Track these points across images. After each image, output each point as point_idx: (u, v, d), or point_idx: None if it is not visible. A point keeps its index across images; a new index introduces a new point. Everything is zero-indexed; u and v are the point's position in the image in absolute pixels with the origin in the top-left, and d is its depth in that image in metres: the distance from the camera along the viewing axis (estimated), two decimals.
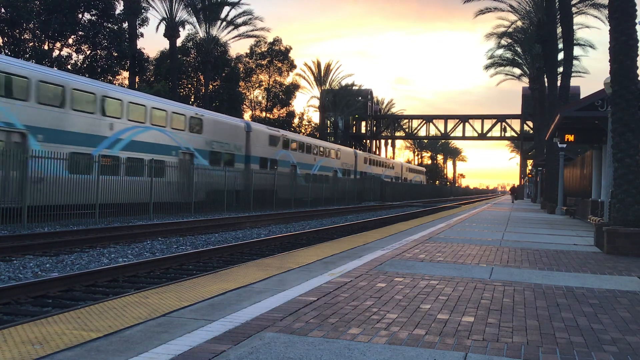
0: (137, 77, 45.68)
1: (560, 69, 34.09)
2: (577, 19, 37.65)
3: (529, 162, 73.91)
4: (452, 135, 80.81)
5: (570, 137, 22.30)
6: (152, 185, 23.39)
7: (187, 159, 28.20)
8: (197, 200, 26.97)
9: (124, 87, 38.64)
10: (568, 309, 5.44)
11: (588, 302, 5.81)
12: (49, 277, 9.46)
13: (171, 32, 47.06)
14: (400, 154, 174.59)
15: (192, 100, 55.03)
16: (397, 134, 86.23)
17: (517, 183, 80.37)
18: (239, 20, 53.45)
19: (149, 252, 13.85)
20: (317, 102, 74.18)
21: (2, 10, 34.67)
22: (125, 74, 45.34)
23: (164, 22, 47.44)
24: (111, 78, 41.05)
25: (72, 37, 38.98)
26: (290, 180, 37.70)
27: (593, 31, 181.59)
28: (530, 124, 69.53)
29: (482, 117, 78.11)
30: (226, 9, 52.91)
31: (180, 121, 28.02)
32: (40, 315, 4.83)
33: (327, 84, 74.38)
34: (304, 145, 44.42)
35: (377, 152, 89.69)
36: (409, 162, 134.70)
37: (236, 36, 54.97)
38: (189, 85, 57.00)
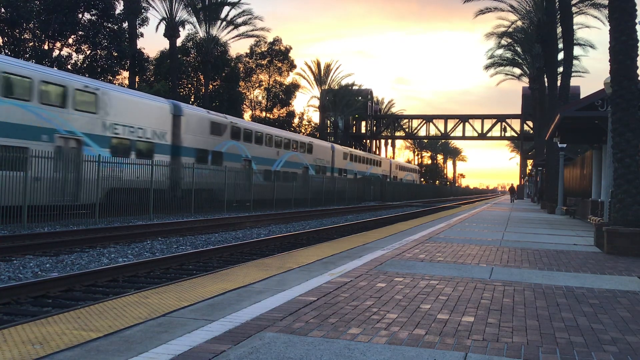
0: (137, 77, 45.68)
1: (560, 69, 34.09)
2: (577, 19, 37.66)
3: (529, 162, 73.92)
4: (452, 135, 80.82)
5: (570, 138, 22.34)
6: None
7: (70, 146, 21.55)
8: (88, 202, 21.03)
9: (124, 86, 38.65)
10: (568, 309, 5.44)
11: (588, 302, 5.81)
12: (49, 277, 9.46)
13: (171, 32, 47.08)
14: (400, 154, 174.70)
15: (192, 100, 55.03)
16: (397, 133, 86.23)
17: (516, 183, 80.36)
18: (239, 20, 53.51)
19: (149, 252, 13.86)
20: (317, 102, 74.24)
21: (2, 10, 34.66)
22: (125, 73, 45.38)
23: (164, 22, 47.47)
24: (111, 78, 41.04)
25: (72, 37, 38.98)
26: (245, 178, 32.15)
27: (593, 31, 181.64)
28: (530, 124, 69.53)
29: (482, 117, 78.11)
30: (226, 8, 52.97)
31: (58, 94, 21.14)
32: (40, 315, 4.83)
33: (327, 84, 74.40)
34: (262, 137, 37.30)
35: (377, 152, 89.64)
36: (408, 161, 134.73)
37: (236, 36, 55.01)
38: (189, 85, 57.01)
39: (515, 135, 77.85)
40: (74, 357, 3.57)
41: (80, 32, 38.75)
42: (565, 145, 25.26)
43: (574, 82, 37.93)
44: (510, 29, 46.74)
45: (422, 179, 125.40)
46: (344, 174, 53.78)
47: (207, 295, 5.53)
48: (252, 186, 32.48)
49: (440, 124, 79.19)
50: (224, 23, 53.14)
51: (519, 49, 52.69)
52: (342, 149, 55.27)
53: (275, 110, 68.04)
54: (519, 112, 76.45)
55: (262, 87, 67.24)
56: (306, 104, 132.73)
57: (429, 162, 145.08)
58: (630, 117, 10.92)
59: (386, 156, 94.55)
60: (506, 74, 58.45)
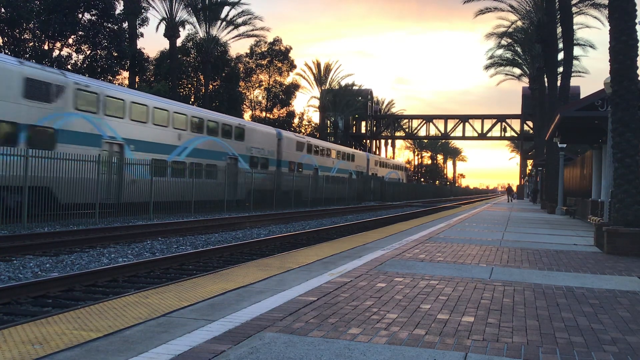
0: (137, 77, 45.69)
1: (560, 69, 34.10)
2: (577, 19, 37.68)
3: (529, 162, 73.91)
4: (452, 135, 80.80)
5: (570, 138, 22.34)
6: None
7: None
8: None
9: (124, 86, 38.63)
10: (568, 309, 5.44)
11: (588, 302, 5.81)
12: (49, 277, 9.46)
13: (171, 32, 47.08)
14: (400, 154, 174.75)
15: (192, 100, 55.03)
16: (397, 134, 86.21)
17: (515, 183, 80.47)
18: (239, 20, 53.51)
19: (149, 252, 13.85)
20: (317, 102, 74.23)
21: (2, 10, 34.66)
22: (125, 74, 45.38)
23: (164, 22, 47.48)
24: (111, 78, 41.04)
25: (72, 37, 38.95)
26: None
27: (593, 31, 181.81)
28: (530, 124, 69.53)
29: (482, 117, 78.10)
30: (226, 8, 52.96)
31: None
32: (40, 315, 4.83)
33: (327, 84, 74.41)
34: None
35: (377, 152, 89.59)
36: (408, 161, 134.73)
37: (236, 36, 55.02)
38: (189, 85, 57.00)
39: (515, 135, 77.84)
40: (74, 357, 3.57)
41: (80, 32, 38.73)
42: (565, 145, 25.27)
43: (574, 82, 37.96)
44: (510, 29, 46.78)
45: (423, 179, 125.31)
46: (299, 170, 42.30)
47: (207, 295, 5.53)
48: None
49: (440, 124, 79.19)
50: (224, 23, 53.16)
51: (519, 49, 52.74)
52: (294, 136, 43.39)
53: (275, 110, 68.03)
54: (519, 112, 76.44)
55: (262, 87, 67.24)
56: (306, 104, 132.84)
57: (429, 162, 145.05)
58: (630, 117, 10.92)
59: (385, 154, 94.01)
60: (506, 74, 58.56)
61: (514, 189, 65.31)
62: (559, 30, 34.18)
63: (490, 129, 77.07)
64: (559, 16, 32.53)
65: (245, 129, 35.15)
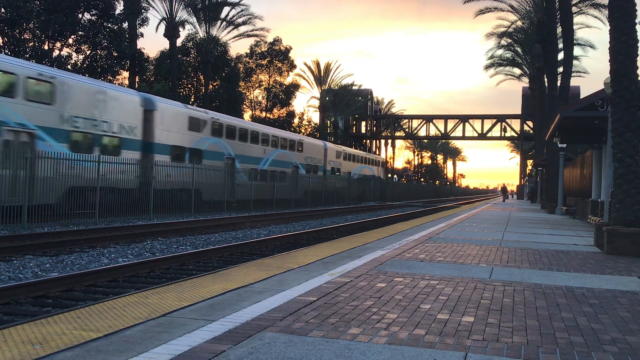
0: (137, 77, 45.68)
1: (560, 69, 34.11)
2: (577, 19, 37.69)
3: (529, 162, 73.94)
4: (452, 135, 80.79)
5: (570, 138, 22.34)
6: None
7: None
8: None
9: (124, 86, 38.63)
10: (568, 309, 5.44)
11: (588, 302, 5.81)
12: (49, 277, 9.46)
13: (171, 32, 47.08)
14: (400, 154, 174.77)
15: (192, 100, 55.04)
16: (397, 134, 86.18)
17: (508, 183, 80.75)
18: (239, 20, 53.50)
19: (149, 252, 13.86)
20: (317, 102, 74.22)
21: (2, 10, 34.66)
22: (125, 74, 45.38)
23: (164, 22, 47.46)
24: (111, 78, 41.05)
25: (72, 37, 38.96)
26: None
27: (593, 31, 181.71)
28: (530, 124, 69.54)
29: (482, 117, 78.08)
30: (226, 9, 52.97)
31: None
32: (40, 315, 4.83)
33: (327, 84, 74.39)
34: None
35: (377, 152, 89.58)
36: (408, 161, 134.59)
37: (236, 36, 55.02)
38: (189, 85, 57.01)
39: (515, 135, 77.83)
40: (74, 357, 3.57)
41: (80, 32, 38.74)
42: (565, 145, 25.27)
43: (574, 82, 37.97)
44: (510, 29, 46.79)
45: (423, 179, 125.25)
46: (196, 159, 29.03)
47: (207, 295, 5.53)
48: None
49: (440, 124, 79.19)
50: (224, 23, 53.16)
51: (519, 49, 52.72)
52: (207, 117, 30.71)
53: (275, 110, 68.05)
54: (519, 112, 76.42)
55: (262, 87, 67.26)
56: (306, 104, 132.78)
57: (429, 162, 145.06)
58: (630, 117, 10.92)
59: (385, 154, 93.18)
60: (506, 74, 58.54)
61: (514, 189, 66.03)
62: (559, 30, 34.20)
63: (490, 129, 77.08)
64: (559, 16, 32.55)
65: (108, 93, 28.20)
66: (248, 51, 65.13)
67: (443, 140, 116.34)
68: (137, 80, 45.65)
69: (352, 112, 77.34)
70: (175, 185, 25.34)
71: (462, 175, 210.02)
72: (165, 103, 27.87)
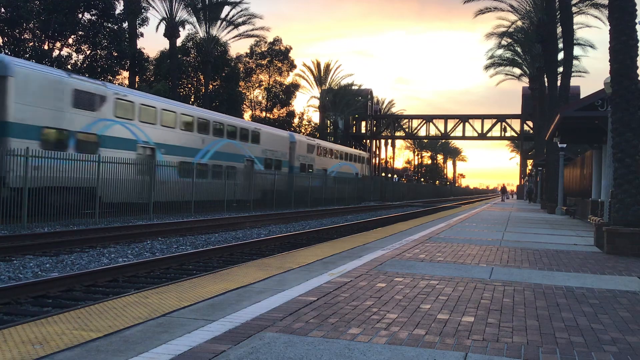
0: (137, 77, 45.69)
1: (560, 69, 34.09)
2: (577, 19, 37.68)
3: (529, 162, 73.92)
4: (452, 135, 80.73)
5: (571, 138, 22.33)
6: None
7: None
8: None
9: (124, 86, 38.63)
10: (568, 309, 5.44)
11: (588, 302, 5.81)
12: (49, 277, 9.46)
13: (171, 32, 47.08)
14: (400, 154, 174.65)
15: (192, 100, 55.04)
16: (397, 133, 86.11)
17: (507, 183, 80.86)
18: (239, 20, 53.48)
19: (149, 252, 13.85)
20: (317, 102, 74.19)
21: (2, 10, 34.66)
22: (125, 74, 45.40)
23: (164, 22, 47.46)
24: (111, 78, 41.05)
25: (72, 37, 38.98)
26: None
27: (593, 31, 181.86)
28: (530, 124, 69.50)
29: (482, 117, 78.03)
30: (226, 8, 52.96)
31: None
32: (40, 315, 4.83)
33: (327, 84, 74.36)
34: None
35: (378, 152, 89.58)
36: (408, 161, 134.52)
37: (236, 36, 55.00)
38: (189, 85, 57.00)
39: (515, 135, 77.79)
40: (74, 357, 3.56)
41: (80, 32, 38.75)
42: (565, 145, 25.26)
43: (574, 82, 37.94)
44: (510, 29, 46.75)
45: (423, 179, 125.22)
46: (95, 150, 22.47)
47: (207, 295, 5.53)
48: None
49: (440, 124, 79.13)
50: (224, 23, 53.15)
51: (519, 49, 52.72)
52: (108, 91, 23.82)
53: (275, 110, 68.05)
54: (519, 112, 76.39)
55: (262, 87, 67.25)
56: (306, 104, 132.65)
57: (429, 162, 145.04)
58: (630, 117, 10.91)
59: (385, 154, 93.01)
60: (506, 74, 58.56)
61: (514, 189, 66.35)
62: (559, 30, 34.18)
63: (490, 129, 77.02)
64: (559, 16, 32.54)
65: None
66: (248, 51, 65.15)
67: (443, 140, 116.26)
68: (137, 80, 45.66)
69: (352, 112, 77.31)
70: (54, 182, 18.91)
71: (462, 175, 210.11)
72: (30, 67, 20.60)
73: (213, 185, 28.85)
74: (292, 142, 41.73)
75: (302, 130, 70.98)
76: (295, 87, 69.43)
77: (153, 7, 48.78)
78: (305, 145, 44.63)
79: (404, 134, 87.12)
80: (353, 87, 76.42)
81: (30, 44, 37.20)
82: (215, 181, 29.26)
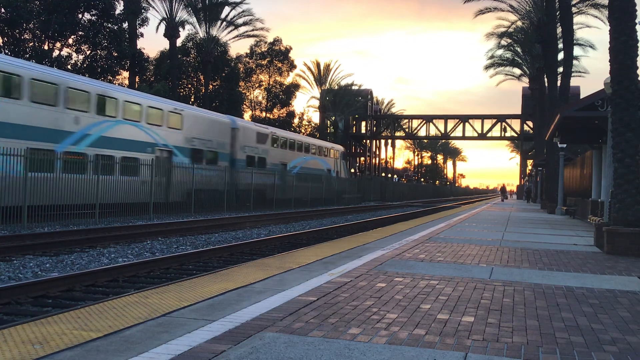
0: (137, 77, 45.69)
1: (560, 69, 34.10)
2: (577, 19, 37.69)
3: (529, 162, 73.92)
4: (452, 135, 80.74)
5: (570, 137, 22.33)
6: None
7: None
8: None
9: (124, 86, 38.64)
10: (568, 309, 5.44)
11: (588, 302, 5.81)
12: (49, 277, 9.46)
13: (171, 32, 47.09)
14: (400, 154, 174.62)
15: (192, 100, 55.05)
16: (397, 134, 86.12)
17: (507, 183, 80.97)
18: (239, 21, 53.50)
19: (149, 252, 13.85)
20: (317, 102, 74.17)
21: (2, 10, 34.67)
22: (125, 74, 45.40)
23: (164, 22, 47.48)
24: (111, 78, 41.06)
25: (72, 37, 38.99)
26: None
27: (593, 31, 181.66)
28: (530, 124, 69.53)
29: (482, 117, 78.04)
30: (226, 9, 52.97)
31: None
32: (40, 315, 4.83)
33: (327, 84, 74.35)
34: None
35: (378, 152, 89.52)
36: (407, 161, 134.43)
37: (236, 36, 55.00)
38: (189, 85, 57.00)
39: (515, 135, 77.80)
40: (74, 357, 3.56)
41: (80, 32, 38.76)
42: (565, 145, 25.27)
43: (574, 82, 37.96)
44: (510, 29, 46.76)
45: (423, 179, 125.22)
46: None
47: (207, 295, 5.53)
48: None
49: (440, 124, 79.14)
50: (224, 23, 53.16)
51: (518, 49, 52.73)
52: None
53: (275, 110, 68.06)
54: (519, 112, 76.40)
55: (262, 87, 67.26)
56: (306, 104, 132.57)
57: (429, 162, 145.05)
58: (630, 117, 10.91)
59: (385, 154, 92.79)
60: (506, 74, 58.55)
61: (514, 189, 66.61)
62: (559, 30, 34.18)
63: (490, 129, 77.03)
64: (558, 16, 32.54)
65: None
66: (248, 51, 65.16)
67: (443, 140, 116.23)
68: (137, 80, 45.67)
69: (352, 112, 77.29)
70: None
71: (462, 175, 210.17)
72: None
73: (80, 182, 20.25)
74: (234, 128, 33.06)
75: (302, 131, 70.94)
76: (295, 87, 69.46)
77: (153, 7, 48.83)
78: (254, 133, 35.88)
79: (404, 134, 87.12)
80: (353, 87, 76.41)
81: (30, 44, 37.21)
82: (81, 177, 20.57)
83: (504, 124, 76.70)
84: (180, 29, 48.58)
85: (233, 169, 31.35)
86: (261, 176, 33.53)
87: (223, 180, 29.05)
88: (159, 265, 11.30)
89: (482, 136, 77.88)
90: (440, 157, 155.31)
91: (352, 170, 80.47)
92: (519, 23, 45.48)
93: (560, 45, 35.47)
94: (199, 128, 29.58)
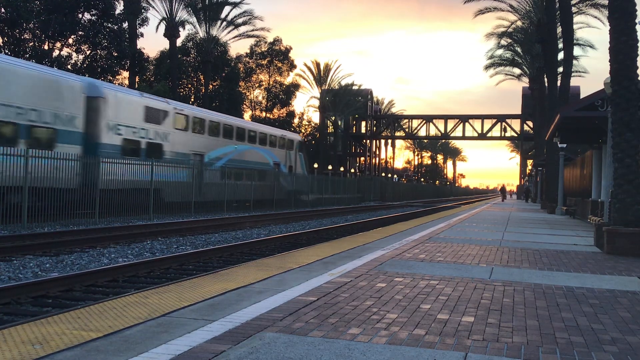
0: (137, 77, 45.69)
1: (560, 69, 34.09)
2: (577, 19, 37.70)
3: (529, 162, 73.94)
4: (452, 135, 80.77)
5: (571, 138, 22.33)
6: None
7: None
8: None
9: (124, 86, 38.61)
10: (568, 309, 5.44)
11: (588, 302, 5.81)
12: (49, 277, 9.46)
13: (171, 32, 47.09)
14: (400, 154, 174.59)
15: (192, 100, 55.03)
16: (397, 134, 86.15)
17: (507, 183, 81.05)
18: (239, 20, 53.53)
19: (149, 252, 13.85)
20: (317, 102, 74.20)
21: (2, 10, 34.67)
22: (125, 74, 45.40)
23: (164, 22, 47.49)
24: (111, 78, 41.06)
25: (72, 37, 38.99)
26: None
27: (593, 31, 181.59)
28: (530, 124, 69.51)
29: (482, 117, 78.06)
30: (226, 9, 52.99)
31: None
32: (40, 315, 4.83)
33: (327, 84, 74.36)
34: None
35: (378, 152, 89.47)
36: (407, 161, 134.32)
37: (236, 36, 55.03)
38: (189, 85, 57.00)
39: (515, 135, 77.83)
40: (74, 357, 3.56)
41: (80, 32, 38.76)
42: (565, 145, 25.26)
43: (574, 82, 37.96)
44: (510, 29, 46.79)
45: (423, 179, 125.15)
46: None
47: (207, 295, 5.53)
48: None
49: (440, 124, 79.16)
50: (224, 23, 53.18)
51: (518, 49, 52.72)
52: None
53: (275, 110, 68.08)
54: (519, 112, 76.43)
55: (262, 87, 67.29)
56: (306, 104, 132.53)
57: (429, 162, 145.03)
58: (630, 117, 10.91)
59: (386, 154, 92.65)
60: (506, 74, 58.56)
61: (514, 189, 66.86)
62: (559, 30, 34.18)
63: (490, 129, 77.05)
64: (558, 16, 32.54)
65: None
66: (248, 51, 65.19)
67: (443, 140, 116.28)
68: (137, 80, 45.67)
69: (352, 112, 77.31)
70: None
71: (462, 175, 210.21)
72: None
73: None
74: (94, 97, 22.72)
75: (302, 130, 70.91)
76: (295, 87, 69.49)
77: (153, 7, 48.79)
78: (140, 107, 25.06)
79: (404, 134, 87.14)
80: (353, 87, 76.44)
81: (30, 44, 37.21)
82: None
83: (504, 124, 76.72)
84: (180, 29, 48.63)
85: (89, 156, 21.15)
86: (144, 169, 23.08)
87: (72, 173, 19.89)
88: (159, 265, 11.29)
89: (482, 136, 77.89)
90: (440, 157, 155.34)
91: (352, 170, 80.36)
92: (519, 23, 45.53)
93: (560, 45, 35.47)
94: (19, 92, 19.40)
